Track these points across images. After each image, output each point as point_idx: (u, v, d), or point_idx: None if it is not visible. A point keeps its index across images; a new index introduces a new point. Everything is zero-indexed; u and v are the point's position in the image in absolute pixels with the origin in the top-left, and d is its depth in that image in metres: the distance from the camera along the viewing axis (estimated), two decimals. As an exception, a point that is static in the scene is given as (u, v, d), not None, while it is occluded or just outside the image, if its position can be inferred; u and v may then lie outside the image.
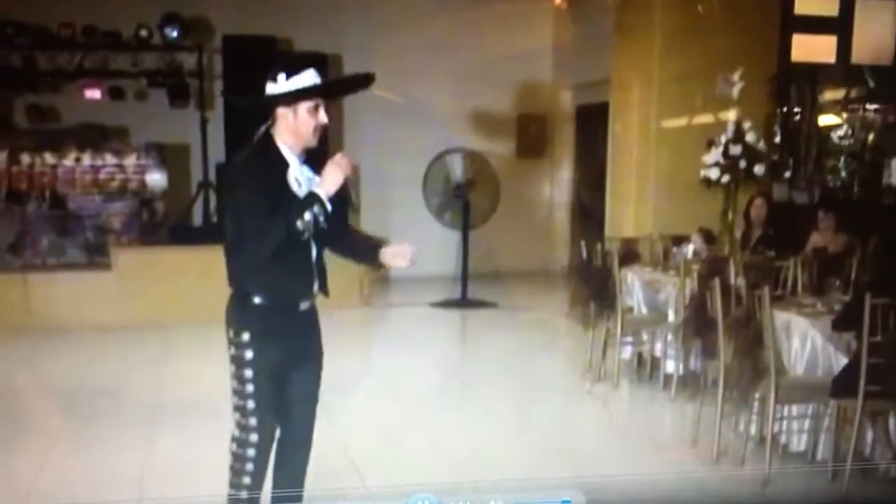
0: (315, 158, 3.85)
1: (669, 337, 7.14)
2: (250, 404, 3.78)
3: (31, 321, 9.15)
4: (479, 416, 6.63)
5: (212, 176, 11.31)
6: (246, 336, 3.77)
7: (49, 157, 10.72)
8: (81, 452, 5.79)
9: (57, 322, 9.03)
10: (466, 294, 10.80)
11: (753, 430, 5.70)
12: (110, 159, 10.96)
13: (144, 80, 11.42)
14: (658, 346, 7.39)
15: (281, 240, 3.63)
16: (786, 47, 9.63)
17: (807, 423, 5.60)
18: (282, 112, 3.78)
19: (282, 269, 3.74)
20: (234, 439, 3.85)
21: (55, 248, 10.56)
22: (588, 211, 12.12)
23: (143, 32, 11.09)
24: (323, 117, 3.79)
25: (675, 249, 7.98)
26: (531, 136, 12.87)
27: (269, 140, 3.82)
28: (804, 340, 5.58)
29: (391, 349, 8.71)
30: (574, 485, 3.23)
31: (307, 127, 3.76)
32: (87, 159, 10.85)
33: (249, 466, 3.82)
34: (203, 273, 9.25)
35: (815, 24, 9.27)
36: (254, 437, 3.80)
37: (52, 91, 11.32)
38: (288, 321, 3.82)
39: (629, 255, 8.17)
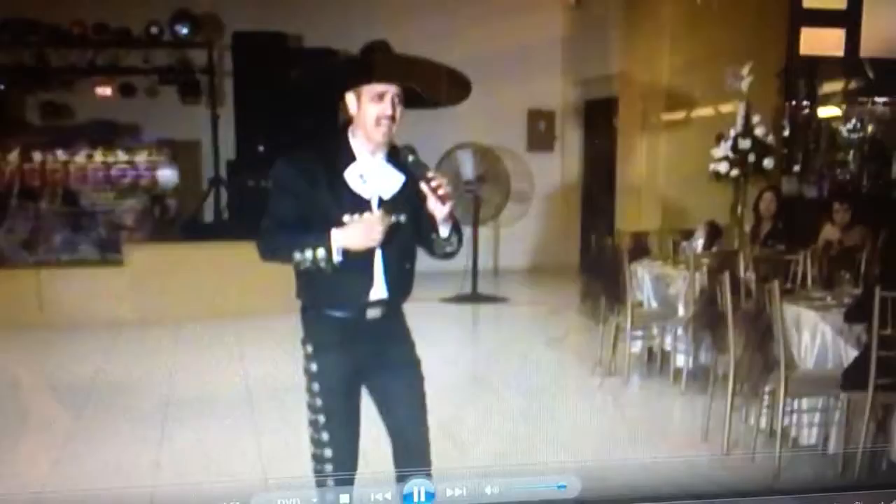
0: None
1: (679, 331, 7.15)
2: (321, 418, 3.59)
3: (43, 317, 9.19)
4: (488, 409, 6.64)
5: (223, 172, 11.35)
6: (309, 348, 3.63)
7: (61, 154, 10.75)
8: (94, 445, 5.83)
9: (69, 318, 9.06)
10: (477, 289, 10.82)
11: (764, 423, 5.72)
12: (122, 156, 10.99)
13: (155, 77, 11.45)
14: (668, 340, 7.40)
15: (275, 258, 3.55)
16: (794, 40, 9.65)
17: (817, 417, 5.62)
18: (348, 98, 3.54)
19: (337, 278, 3.48)
20: (311, 456, 3.65)
21: (68, 245, 10.59)
22: (598, 205, 12.13)
23: (154, 29, 11.10)
24: (387, 108, 3.46)
25: (684, 243, 7.99)
26: (541, 131, 12.87)
27: (341, 132, 3.61)
28: (814, 334, 5.60)
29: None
30: (569, 469, 3.26)
31: (370, 117, 3.47)
32: (98, 156, 10.89)
33: (331, 483, 3.61)
34: (216, 269, 9.35)
35: (823, 18, 9.29)
36: (328, 453, 3.60)
37: (63, 88, 11.36)
38: (354, 332, 3.59)
39: (639, 249, 8.18)
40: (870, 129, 10.34)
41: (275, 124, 10.70)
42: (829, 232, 8.08)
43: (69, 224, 10.66)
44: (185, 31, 11.12)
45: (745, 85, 8.70)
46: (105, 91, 11.36)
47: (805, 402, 5.61)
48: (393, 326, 3.70)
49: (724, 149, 8.59)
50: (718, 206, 8.53)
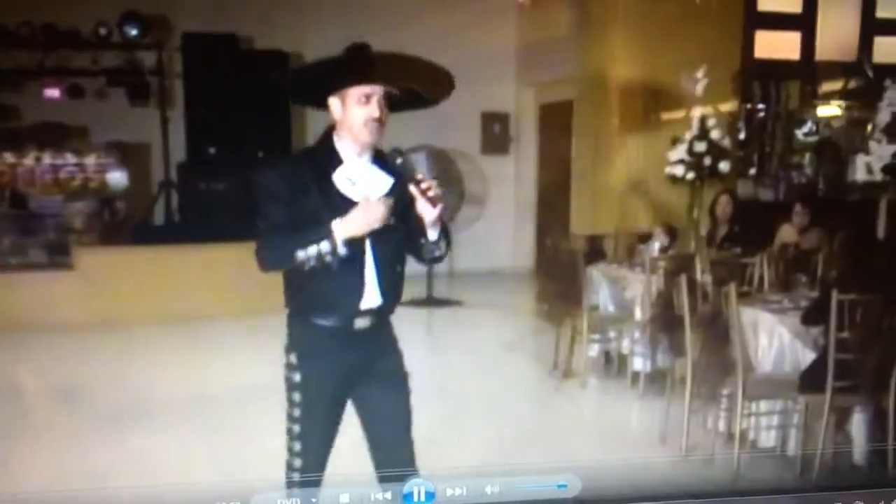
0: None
1: (636, 334, 7.13)
2: (296, 428, 3.52)
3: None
4: (445, 414, 6.58)
5: (173, 175, 11.23)
6: (293, 357, 3.51)
7: (9, 157, 10.62)
8: (42, 450, 5.74)
9: (18, 322, 8.92)
10: (432, 292, 10.77)
11: (722, 426, 5.71)
12: (71, 158, 10.88)
13: (104, 79, 11.29)
14: (625, 344, 7.37)
15: (277, 263, 3.40)
16: (749, 44, 9.68)
17: (775, 419, 5.62)
18: (332, 101, 3.44)
19: (327, 284, 3.41)
20: (285, 462, 3.58)
21: (16, 248, 10.45)
22: (553, 208, 12.12)
23: (103, 31, 10.95)
24: (374, 110, 3.39)
25: (640, 246, 7.98)
26: (495, 134, 12.86)
27: (326, 135, 3.51)
28: (771, 336, 5.60)
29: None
30: (569, 469, 3.21)
31: (356, 119, 3.39)
32: (47, 159, 10.77)
33: (297, 489, 3.54)
34: (165, 273, 9.25)
35: (778, 21, 9.33)
36: (297, 463, 3.53)
37: (11, 90, 11.18)
38: (341, 342, 3.51)
39: (595, 252, 8.16)
40: (825, 132, 10.42)
41: (225, 126, 10.62)
42: (787, 234, 8.09)
43: (17, 227, 10.52)
44: (134, 32, 10.98)
45: (699, 88, 8.72)
46: (53, 93, 11.20)
47: (763, 405, 5.60)
48: (382, 337, 3.61)
49: (679, 152, 8.60)
50: (675, 209, 8.53)
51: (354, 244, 3.36)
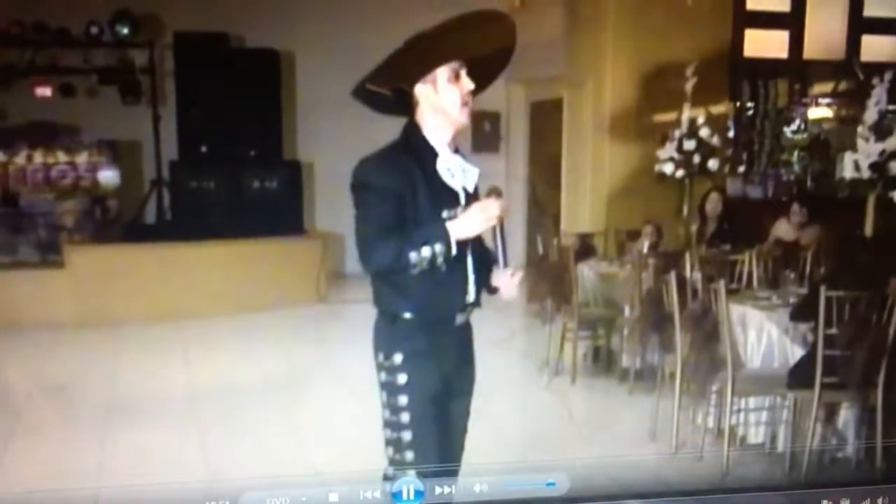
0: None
1: (626, 331, 7.15)
2: (406, 436, 3.35)
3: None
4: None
5: (165, 173, 11.22)
6: (398, 358, 3.33)
7: (0, 156, 10.62)
8: (31, 449, 5.74)
9: (9, 320, 8.92)
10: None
11: (711, 422, 5.74)
12: (62, 157, 10.86)
13: (95, 78, 11.28)
14: (615, 341, 7.40)
15: (386, 264, 3.20)
16: (738, 42, 9.71)
17: (764, 416, 5.65)
18: (420, 90, 3.32)
19: (433, 279, 3.24)
20: (386, 478, 3.38)
21: (7, 247, 10.43)
22: (544, 206, 12.13)
23: (94, 29, 10.94)
24: (467, 83, 3.31)
25: (630, 244, 8.02)
26: (486, 132, 12.85)
27: (412, 129, 3.36)
28: (760, 333, 5.64)
29: (347, 345, 8.63)
30: (558, 467, 3.22)
31: (451, 99, 3.29)
32: (38, 157, 10.76)
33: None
34: (157, 271, 9.26)
35: (767, 20, 9.36)
36: (411, 475, 3.34)
37: (1, 89, 11.17)
38: (443, 338, 3.39)
39: (585, 249, 8.19)
40: (814, 129, 10.46)
41: (217, 125, 10.63)
42: (781, 230, 8.13)
43: (8, 226, 10.51)
44: (125, 31, 10.97)
45: (689, 86, 8.75)
46: (45, 91, 11.18)
47: (752, 401, 5.63)
48: (469, 334, 3.54)
49: (669, 149, 8.64)
50: (664, 207, 8.55)
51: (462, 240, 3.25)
